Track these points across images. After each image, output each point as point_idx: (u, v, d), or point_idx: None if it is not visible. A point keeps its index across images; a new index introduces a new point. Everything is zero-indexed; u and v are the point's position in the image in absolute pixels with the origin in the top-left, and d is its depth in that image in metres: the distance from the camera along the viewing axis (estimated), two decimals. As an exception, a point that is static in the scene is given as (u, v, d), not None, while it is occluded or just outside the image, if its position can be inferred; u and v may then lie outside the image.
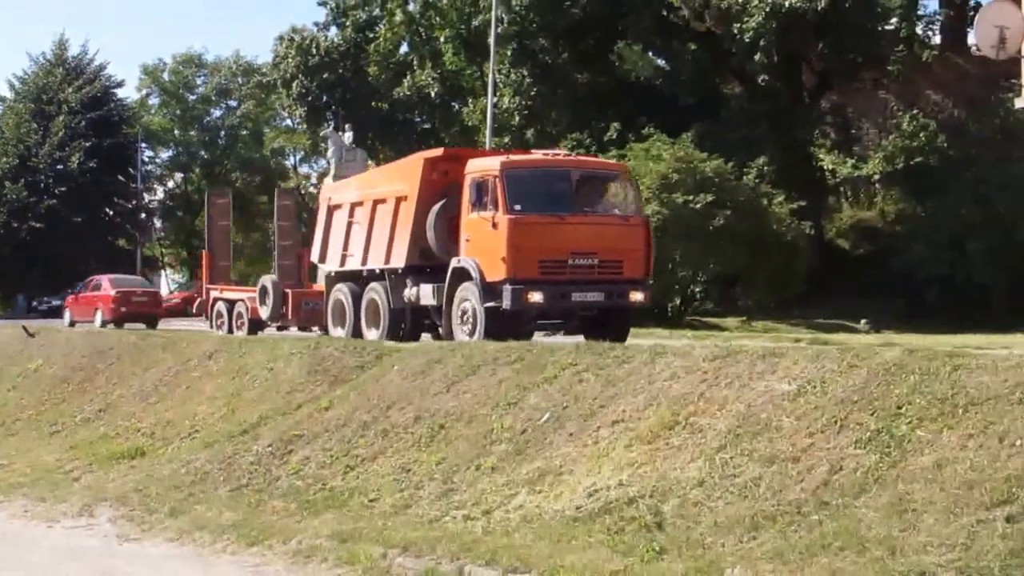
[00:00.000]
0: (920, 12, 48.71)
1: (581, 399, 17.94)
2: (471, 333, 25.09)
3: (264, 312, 35.26)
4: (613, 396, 17.62)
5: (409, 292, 27.52)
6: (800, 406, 15.16)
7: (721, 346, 18.55)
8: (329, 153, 64.00)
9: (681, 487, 14.71)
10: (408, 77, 65.70)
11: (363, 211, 29.62)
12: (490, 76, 49.74)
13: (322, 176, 70.82)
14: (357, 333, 28.93)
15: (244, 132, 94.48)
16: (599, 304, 25.41)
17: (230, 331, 37.18)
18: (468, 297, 25.38)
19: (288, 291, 35.03)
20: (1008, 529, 11.79)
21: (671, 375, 17.42)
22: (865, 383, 15.01)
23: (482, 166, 26.00)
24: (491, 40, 49.24)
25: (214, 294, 39.79)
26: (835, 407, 14.76)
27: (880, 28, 47.34)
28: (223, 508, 18.66)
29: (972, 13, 39.48)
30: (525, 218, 24.68)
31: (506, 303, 24.46)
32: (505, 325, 24.58)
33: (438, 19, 62.53)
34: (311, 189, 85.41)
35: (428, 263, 27.20)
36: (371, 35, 69.31)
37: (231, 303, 38.53)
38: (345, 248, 30.31)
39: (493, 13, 49.23)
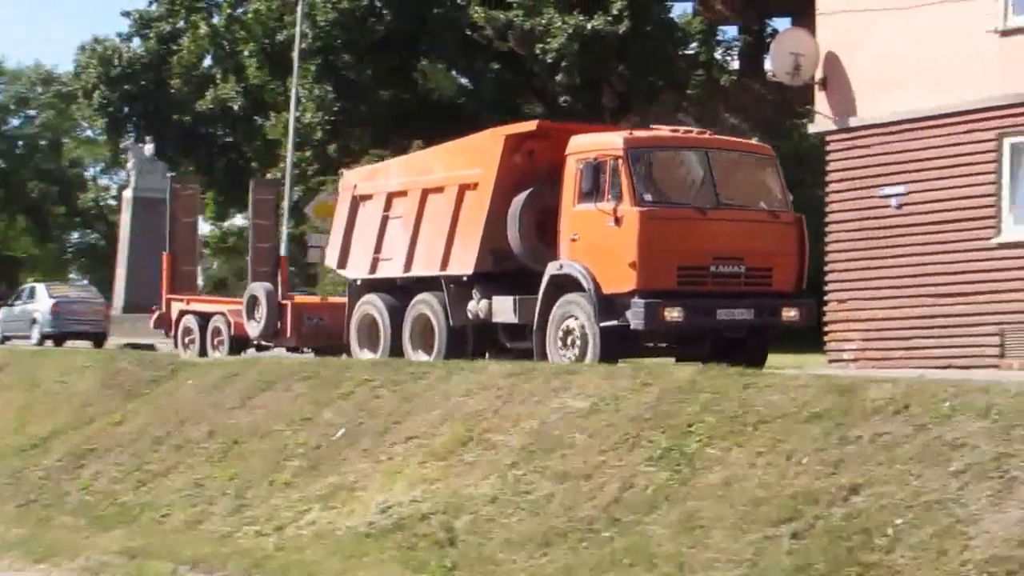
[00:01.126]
0: (719, 38, 49.58)
1: (376, 415, 17.95)
2: (579, 358, 19.83)
3: (254, 329, 28.50)
4: (408, 412, 17.65)
5: (476, 306, 21.85)
6: (593, 423, 15.31)
7: (516, 363, 18.67)
8: (129, 165, 62.58)
9: (474, 503, 14.76)
10: (211, 90, 64.99)
11: (407, 203, 23.70)
12: (293, 91, 49.34)
13: (122, 189, 69.81)
14: (396, 356, 22.84)
15: (43, 142, 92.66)
16: (747, 323, 20.22)
17: (203, 352, 30.02)
18: (574, 313, 20.09)
19: (287, 303, 28.68)
20: (794, 545, 12.01)
21: (466, 391, 17.51)
22: (657, 401, 15.21)
23: (596, 144, 20.68)
24: (295, 55, 48.88)
25: (178, 306, 32.38)
26: (627, 424, 14.93)
27: (680, 52, 48.10)
28: (10, 524, 18.37)
29: (769, 40, 40.24)
30: (661, 211, 19.69)
31: (636, 321, 19.28)
32: (628, 348, 20.15)
33: (242, 33, 61.93)
34: (110, 201, 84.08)
35: (504, 269, 21.71)
36: (175, 47, 68.53)
37: (204, 317, 31.18)
38: (378, 250, 24.19)
39: (297, 28, 48.84)
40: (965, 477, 11.92)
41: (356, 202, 25.05)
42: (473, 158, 22.65)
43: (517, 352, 21.45)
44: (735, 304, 19.88)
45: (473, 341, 22.19)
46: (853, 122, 26.37)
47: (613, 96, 48.89)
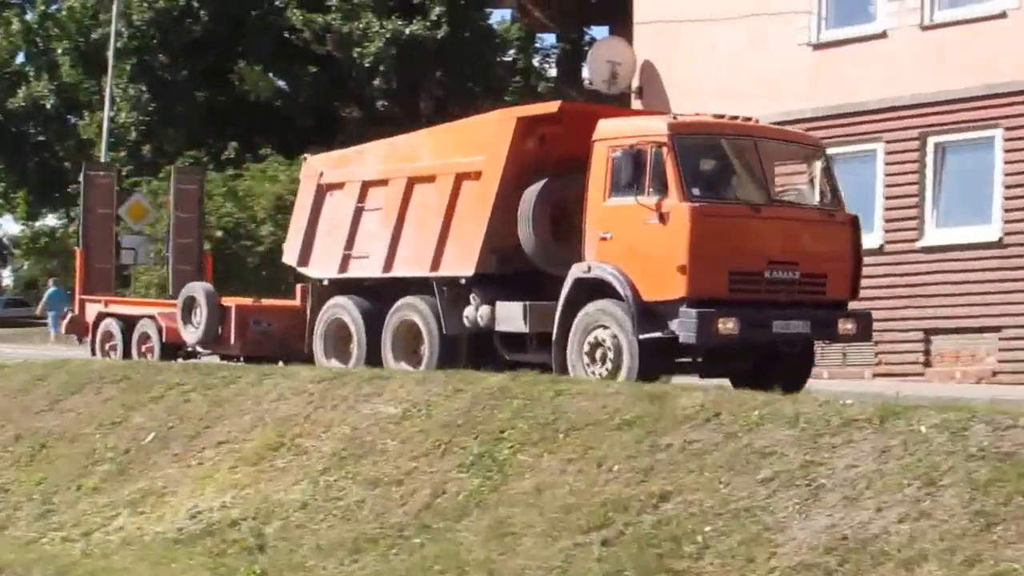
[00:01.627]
0: (537, 45, 49.98)
1: (187, 419, 17.69)
2: (611, 374, 17.27)
3: (191, 334, 24.57)
4: (219, 417, 17.43)
5: (476, 312, 19.02)
6: (405, 429, 15.25)
7: (328, 368, 18.60)
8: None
9: (284, 509, 14.63)
10: (23, 88, 63.87)
11: (388, 194, 20.87)
12: (107, 90, 48.64)
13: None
14: (373, 363, 19.96)
15: None
16: (803, 337, 18.00)
17: (127, 357, 26.02)
18: (604, 323, 17.52)
19: (231, 306, 24.53)
20: (604, 552, 12.05)
21: (278, 396, 17.34)
22: (470, 407, 15.19)
23: (634, 129, 18.06)
24: (110, 54, 48.23)
25: (96, 308, 27.82)
26: (440, 431, 14.89)
27: (498, 59, 48.35)
28: None
29: (587, 48, 40.60)
30: (713, 208, 17.26)
31: (685, 334, 16.80)
32: (669, 363, 17.83)
33: (56, 30, 61.10)
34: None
35: (508, 271, 19.09)
36: (-14, 44, 67.24)
37: (128, 320, 26.83)
38: (350, 246, 21.32)
39: (112, 27, 48.29)
40: (773, 485, 12.03)
41: (322, 191, 22.11)
42: (475, 143, 19.77)
43: (519, 366, 18.49)
44: (791, 315, 17.45)
45: (468, 351, 19.56)
46: (669, 131, 26.70)
47: (430, 101, 48.93)
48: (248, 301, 25.16)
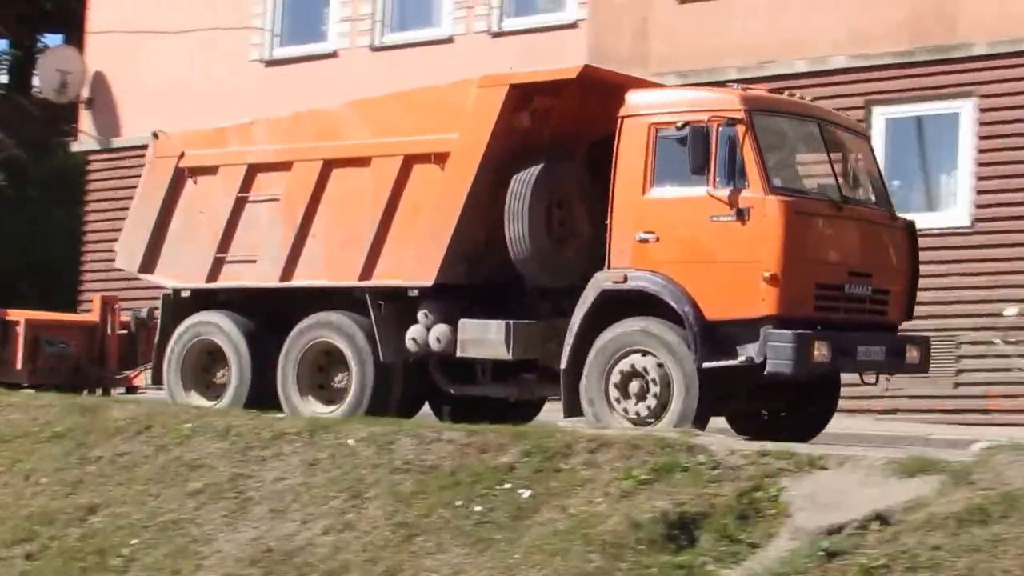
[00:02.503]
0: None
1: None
2: (653, 415, 13.63)
3: None
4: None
5: (427, 333, 14.85)
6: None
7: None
8: None
9: None
10: None
11: (290, 180, 16.29)
12: None
13: None
14: (260, 402, 15.45)
15: None
16: (879, 367, 14.85)
17: None
18: (646, 346, 13.74)
19: (19, 321, 19.61)
20: (27, 567, 11.81)
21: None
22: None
23: (691, 102, 14.21)
24: None
25: None
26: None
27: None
28: None
29: (39, 56, 39.61)
30: (805, 203, 13.80)
31: (776, 363, 13.20)
32: (727, 400, 14.18)
33: None
34: None
35: (477, 280, 15.14)
36: None
37: None
38: (225, 247, 16.59)
39: None
40: (202, 497, 12.04)
41: (181, 177, 17.13)
42: (437, 117, 15.33)
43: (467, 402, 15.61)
44: (871, 340, 14.30)
45: (404, 384, 15.53)
46: (117, 143, 26.35)
47: None
48: (40, 315, 20.45)
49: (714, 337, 13.39)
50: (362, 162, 15.81)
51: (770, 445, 11.68)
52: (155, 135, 17.77)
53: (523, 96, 14.85)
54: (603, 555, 10.09)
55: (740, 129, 13.49)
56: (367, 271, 15.44)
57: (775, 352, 13.17)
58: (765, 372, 13.27)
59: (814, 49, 21.92)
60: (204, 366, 16.58)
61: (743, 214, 13.33)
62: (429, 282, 14.89)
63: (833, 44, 21.77)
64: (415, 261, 15.06)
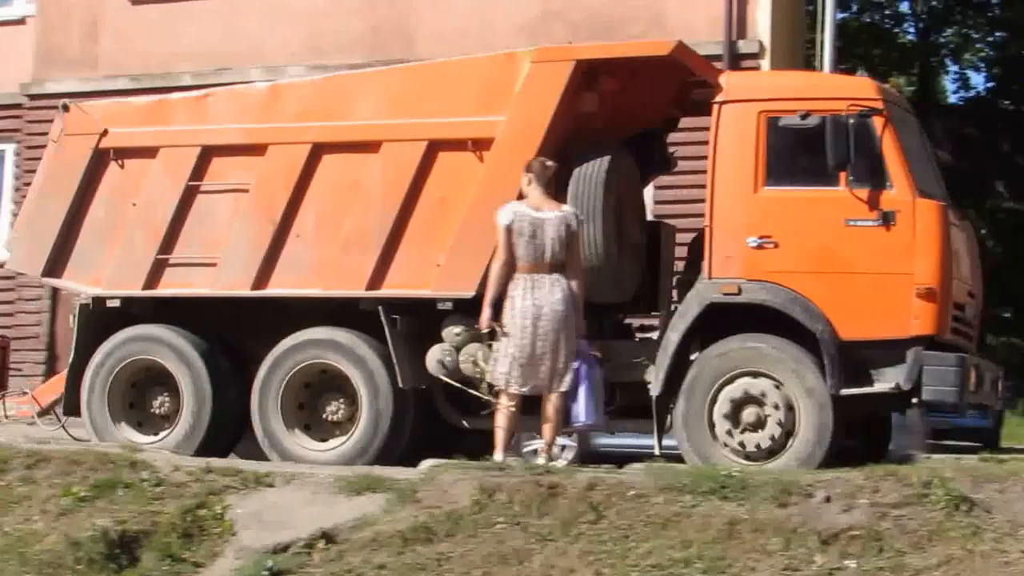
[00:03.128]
0: None
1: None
2: (776, 448, 11.81)
3: None
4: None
5: (459, 355, 12.45)
6: None
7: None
8: None
9: None
10: None
11: (264, 167, 13.47)
12: None
13: None
14: (216, 436, 13.37)
15: None
16: (1004, 401, 14.91)
17: None
18: (764, 368, 11.92)
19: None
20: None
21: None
22: None
23: (818, 88, 12.73)
24: None
25: None
26: None
27: None
28: None
29: None
30: (950, 211, 12.17)
31: (940, 389, 11.72)
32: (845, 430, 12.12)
33: None
34: None
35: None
36: None
37: None
38: (168, 247, 13.67)
39: None
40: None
41: (103, 159, 14.15)
42: (477, 94, 12.98)
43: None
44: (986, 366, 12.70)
45: (416, 417, 13.01)
46: None
47: None
48: None
49: (849, 360, 11.78)
50: (368, 147, 13.22)
51: (215, 462, 11.34)
52: (65, 107, 14.49)
53: (588, 74, 12.75)
54: (40, 575, 9.70)
55: (879, 121, 11.94)
56: (376, 279, 12.94)
57: (935, 378, 11.67)
58: (917, 400, 11.90)
59: (271, 58, 21.99)
60: (143, 393, 13.88)
61: (888, 218, 11.76)
62: (470, 293, 12.38)
63: (290, 54, 21.93)
64: (448, 268, 12.69)
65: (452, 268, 12.57)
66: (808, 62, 24.26)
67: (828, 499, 9.65)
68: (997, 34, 40.07)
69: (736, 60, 20.78)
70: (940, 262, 11.73)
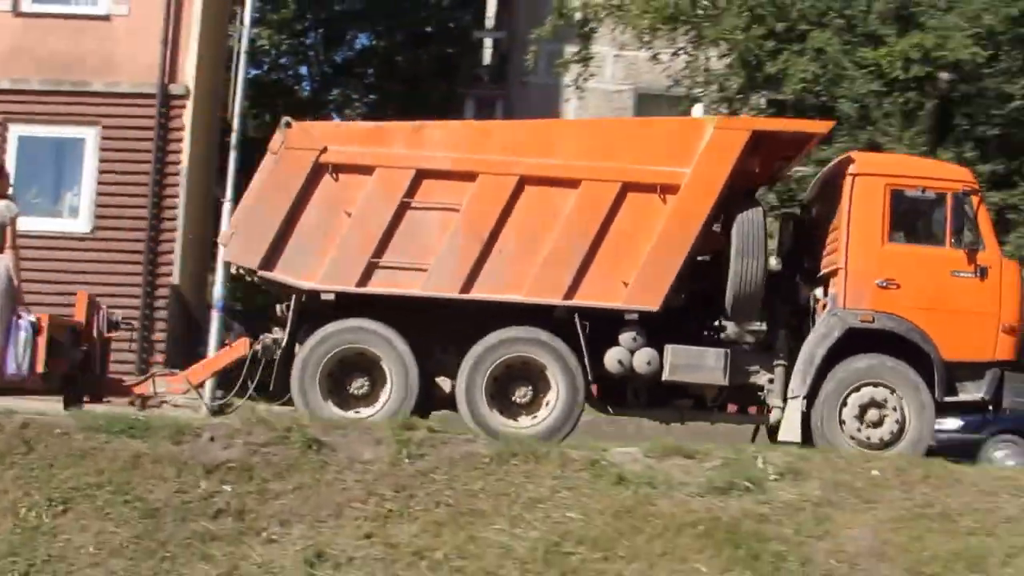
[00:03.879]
0: None
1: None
2: (890, 442, 15.55)
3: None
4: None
5: (631, 356, 15.56)
6: None
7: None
8: None
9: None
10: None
11: (475, 192, 15.69)
12: None
13: None
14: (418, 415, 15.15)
15: None
16: None
17: None
18: (886, 380, 15.62)
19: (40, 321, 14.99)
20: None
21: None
22: None
23: (930, 171, 16.75)
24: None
25: None
26: None
27: None
28: None
29: None
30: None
31: (1019, 400, 16.87)
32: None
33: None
34: None
35: (676, 307, 15.95)
36: None
37: None
38: (380, 252, 15.68)
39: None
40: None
41: (320, 171, 15.96)
42: (667, 149, 15.90)
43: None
44: None
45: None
46: None
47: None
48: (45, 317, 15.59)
49: (948, 375, 15.57)
50: (569, 183, 15.80)
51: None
52: (288, 124, 16.19)
53: (757, 142, 15.96)
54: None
55: (976, 199, 15.92)
56: (571, 291, 15.61)
57: (1015, 392, 15.98)
58: (997, 408, 16.21)
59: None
60: (347, 376, 15.83)
61: (983, 272, 15.68)
62: (655, 307, 15.52)
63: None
64: (635, 286, 15.57)
65: (639, 287, 15.56)
66: (225, 105, 28.39)
67: (212, 438, 12.69)
68: (371, 96, 48.84)
69: (167, 100, 25.96)
70: (1019, 306, 15.78)
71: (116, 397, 16.28)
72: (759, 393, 16.07)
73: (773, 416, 15.92)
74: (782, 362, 15.96)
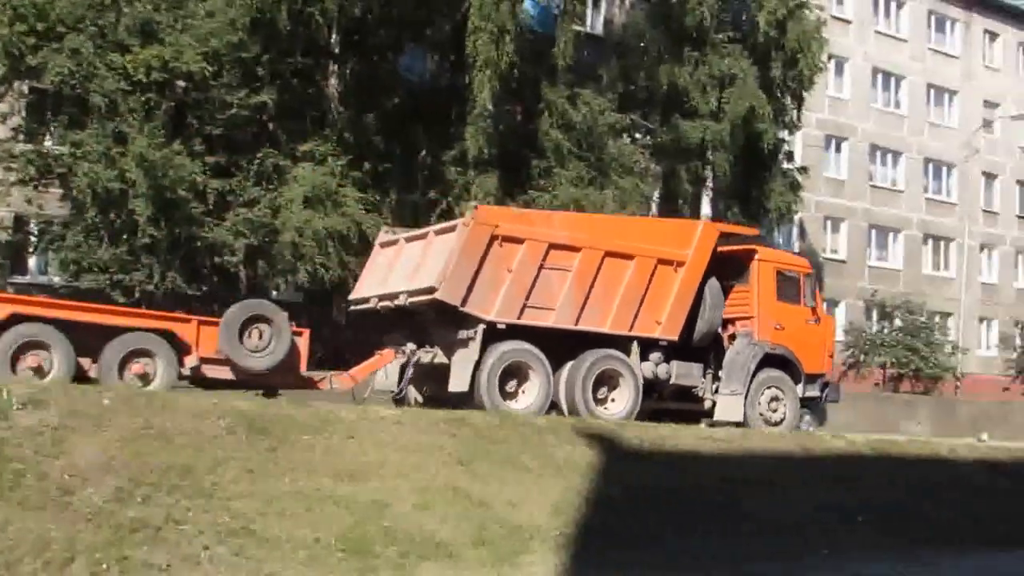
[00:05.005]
0: None
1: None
2: (776, 423, 26.18)
3: (257, 360, 22.40)
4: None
5: (656, 367, 25.17)
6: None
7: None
8: None
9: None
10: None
11: (580, 259, 24.14)
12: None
13: None
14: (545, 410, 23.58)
15: None
16: None
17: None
18: (780, 386, 26.56)
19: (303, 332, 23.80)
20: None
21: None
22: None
23: (790, 260, 28.67)
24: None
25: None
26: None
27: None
28: None
29: None
30: None
31: (834, 397, 28.07)
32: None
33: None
34: None
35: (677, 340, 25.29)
36: None
37: (105, 335, 21.02)
38: (528, 297, 23.54)
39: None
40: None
41: (493, 240, 23.32)
42: (676, 238, 25.72)
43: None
44: None
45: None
46: None
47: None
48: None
49: (805, 382, 26.89)
50: (628, 256, 24.60)
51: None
52: (475, 207, 24.07)
53: (716, 237, 25.91)
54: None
55: (812, 276, 27.82)
56: (632, 326, 24.52)
57: (832, 391, 27.82)
58: (826, 401, 27.61)
59: None
60: (510, 380, 23.29)
61: (818, 320, 27.22)
62: (675, 337, 24.97)
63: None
64: (665, 323, 24.82)
65: (667, 324, 24.85)
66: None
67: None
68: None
69: None
70: (833, 341, 29.21)
71: (303, 390, 23.21)
72: (693, 390, 25.78)
73: (707, 404, 25.89)
74: (710, 371, 25.92)
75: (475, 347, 22.88)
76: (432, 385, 24.32)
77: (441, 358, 23.70)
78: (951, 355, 61.68)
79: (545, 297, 23.64)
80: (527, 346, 23.37)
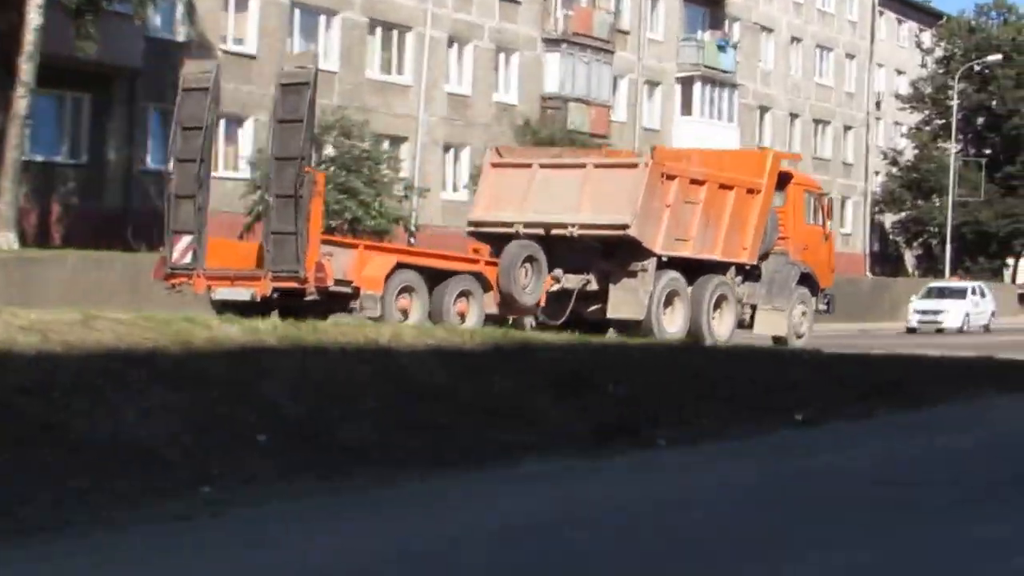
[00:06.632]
0: None
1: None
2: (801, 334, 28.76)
3: (529, 295, 24.78)
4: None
5: (740, 289, 27.68)
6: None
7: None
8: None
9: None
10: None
11: (704, 192, 26.54)
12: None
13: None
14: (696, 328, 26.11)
15: None
16: None
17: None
18: (805, 298, 29.10)
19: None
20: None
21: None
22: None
23: (814, 185, 32.10)
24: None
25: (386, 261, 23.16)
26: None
27: None
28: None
29: None
30: None
31: (823, 307, 30.23)
32: None
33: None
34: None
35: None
36: None
37: (435, 277, 23.58)
38: (674, 229, 25.70)
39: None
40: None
41: (661, 177, 25.49)
42: (755, 168, 28.15)
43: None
44: None
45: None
46: None
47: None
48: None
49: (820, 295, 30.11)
50: (730, 186, 26.85)
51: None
52: (653, 148, 28.54)
53: (778, 162, 28.71)
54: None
55: (828, 197, 33.20)
56: (727, 251, 26.68)
57: (823, 302, 30.38)
58: (829, 312, 30.84)
59: None
60: (667, 307, 25.63)
61: (827, 237, 30.67)
62: (755, 261, 27.42)
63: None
64: (750, 248, 27.10)
65: (751, 250, 27.13)
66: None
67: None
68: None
69: None
70: (834, 258, 32.39)
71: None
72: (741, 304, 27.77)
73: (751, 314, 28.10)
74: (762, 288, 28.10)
75: (648, 278, 25.00)
76: (567, 308, 25.37)
77: (593, 285, 25.49)
78: (403, 199, 43.79)
79: (685, 229, 25.88)
80: (677, 275, 25.72)
